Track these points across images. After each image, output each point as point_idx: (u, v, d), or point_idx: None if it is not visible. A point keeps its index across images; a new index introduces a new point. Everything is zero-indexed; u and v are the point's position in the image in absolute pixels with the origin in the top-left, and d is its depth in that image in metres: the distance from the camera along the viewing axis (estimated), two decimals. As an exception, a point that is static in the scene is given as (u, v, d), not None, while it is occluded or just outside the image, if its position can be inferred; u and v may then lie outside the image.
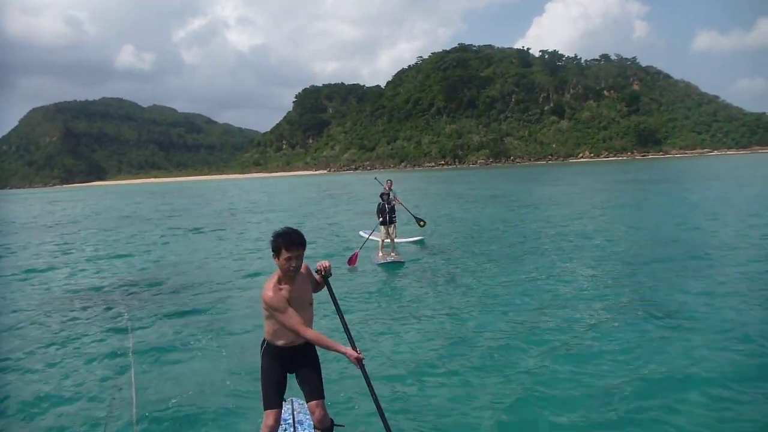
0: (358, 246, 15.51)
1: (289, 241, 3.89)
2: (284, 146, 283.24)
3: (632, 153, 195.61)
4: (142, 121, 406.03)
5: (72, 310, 10.70)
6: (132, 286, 12.94)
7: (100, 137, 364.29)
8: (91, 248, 21.09)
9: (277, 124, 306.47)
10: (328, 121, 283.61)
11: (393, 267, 13.63)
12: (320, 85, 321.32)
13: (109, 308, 10.69)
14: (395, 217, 15.10)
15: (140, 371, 7.00)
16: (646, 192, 36.19)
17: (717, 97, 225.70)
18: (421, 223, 16.81)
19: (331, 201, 42.75)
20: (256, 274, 13.20)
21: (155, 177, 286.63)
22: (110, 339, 8.66)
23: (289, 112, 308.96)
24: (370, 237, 18.39)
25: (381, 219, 14.96)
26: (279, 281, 4.00)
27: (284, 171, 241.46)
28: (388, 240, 14.93)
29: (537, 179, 67.45)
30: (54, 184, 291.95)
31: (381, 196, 15.09)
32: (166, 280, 13.45)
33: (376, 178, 18.71)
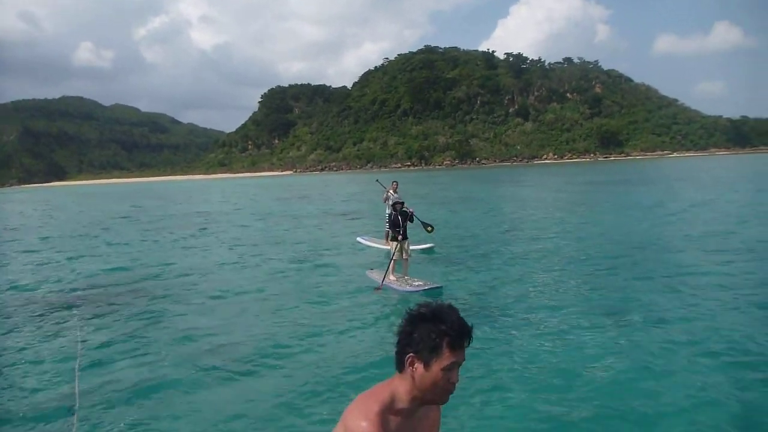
0: (350, 252, 15.63)
1: (459, 333, 2.16)
2: (250, 147, 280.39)
3: (595, 154, 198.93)
4: (104, 120, 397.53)
5: (21, 314, 10.81)
6: (86, 289, 12.90)
7: (60, 136, 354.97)
8: (45, 251, 20.50)
9: (243, 124, 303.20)
10: (294, 122, 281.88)
11: (429, 295, 10.77)
12: (286, 85, 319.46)
13: (58, 311, 10.80)
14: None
15: (86, 373, 7.26)
16: (607, 193, 37.13)
17: (676, 100, 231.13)
18: (429, 228, 16.17)
19: (303, 202, 42.53)
20: (204, 272, 13.40)
21: (117, 177, 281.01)
22: (58, 340, 8.95)
23: (254, 112, 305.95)
24: (373, 244, 17.90)
25: (393, 233, 12.58)
26: (391, 408, 2.22)
27: (250, 171, 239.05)
28: (400, 258, 12.35)
29: (504, 180, 68.38)
30: (12, 185, 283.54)
31: (394, 205, 12.72)
32: (120, 284, 13.38)
33: (377, 180, 18.42)
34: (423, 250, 16.39)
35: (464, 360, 2.17)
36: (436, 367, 2.12)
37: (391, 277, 12.07)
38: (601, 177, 62.56)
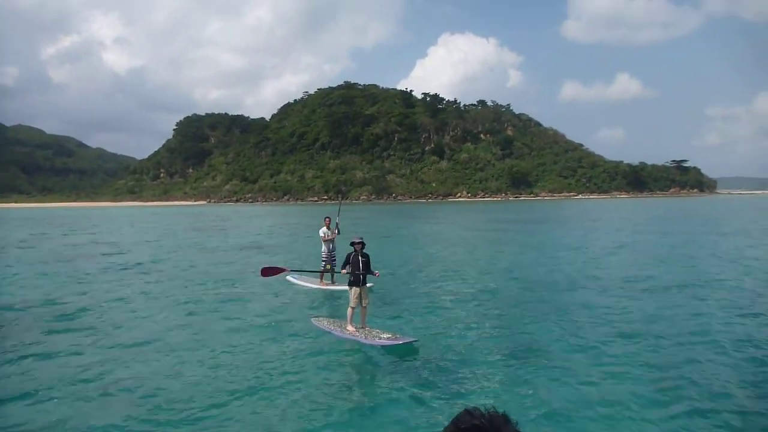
0: (267, 289, 15.21)
1: None
2: (162, 175, 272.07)
3: (506, 194, 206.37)
4: (3, 141, 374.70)
5: None
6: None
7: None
8: None
9: (156, 151, 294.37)
10: (210, 151, 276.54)
11: (400, 350, 10.02)
12: (203, 113, 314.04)
13: None
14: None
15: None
16: (516, 232, 38.54)
17: (581, 145, 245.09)
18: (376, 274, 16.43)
19: (221, 234, 41.30)
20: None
21: (16, 202, 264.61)
22: None
23: (168, 139, 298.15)
24: (304, 284, 17.20)
25: (352, 277, 11.06)
26: None
27: (161, 200, 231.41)
28: (358, 305, 11.21)
29: (421, 216, 69.85)
30: None
31: (353, 243, 11.16)
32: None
33: (337, 221, 17.48)
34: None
35: None
36: None
37: (349, 328, 11.04)
38: (515, 216, 65.20)
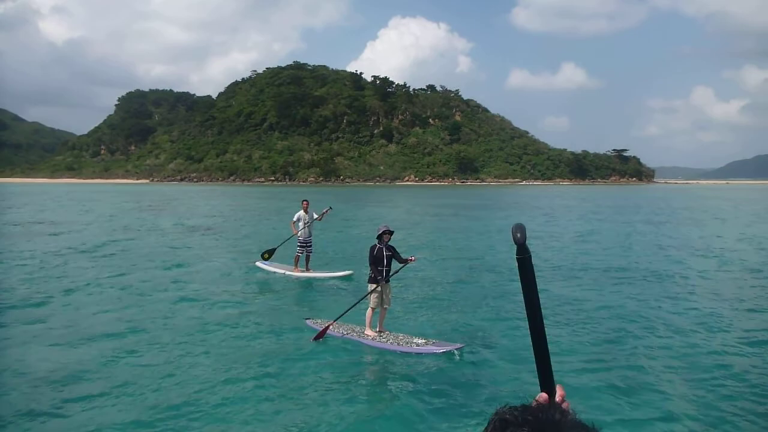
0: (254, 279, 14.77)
1: None
2: (103, 151, 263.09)
3: (453, 179, 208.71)
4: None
5: None
6: None
7: None
8: None
9: (96, 127, 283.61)
10: (153, 128, 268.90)
11: (438, 358, 8.91)
12: (146, 89, 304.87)
13: None
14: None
15: None
16: (460, 217, 39.24)
17: (527, 132, 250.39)
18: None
19: (173, 214, 40.22)
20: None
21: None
22: None
23: (110, 115, 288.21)
24: (276, 270, 16.41)
25: (375, 273, 9.65)
26: None
27: (101, 178, 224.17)
28: (378, 306, 9.81)
29: (373, 201, 70.05)
30: None
31: (379, 236, 9.68)
32: None
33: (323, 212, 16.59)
34: (341, 278, 15.43)
35: None
36: None
37: (369, 332, 9.68)
38: (462, 201, 66.27)
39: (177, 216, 40.63)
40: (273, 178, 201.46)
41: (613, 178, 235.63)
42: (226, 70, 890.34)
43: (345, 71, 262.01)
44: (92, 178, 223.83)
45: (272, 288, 14.81)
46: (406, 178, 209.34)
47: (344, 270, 15.96)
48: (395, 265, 9.77)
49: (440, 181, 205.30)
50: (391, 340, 9.48)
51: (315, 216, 16.32)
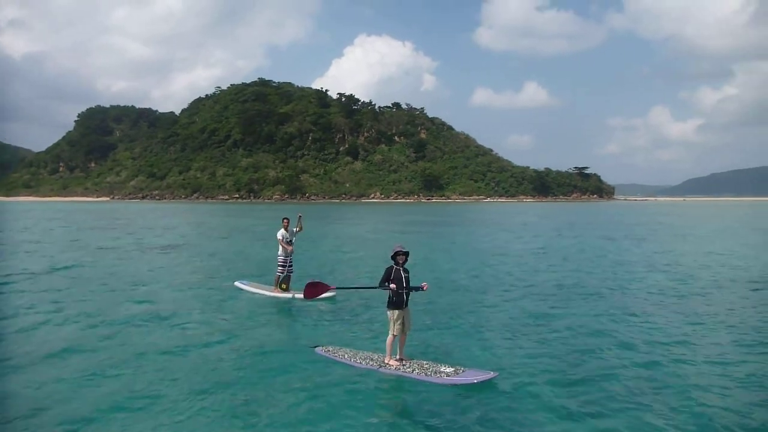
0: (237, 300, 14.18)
1: None
2: (61, 168, 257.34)
3: (418, 196, 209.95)
4: None
5: None
6: None
7: None
8: None
9: (55, 143, 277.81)
10: (114, 145, 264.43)
11: (470, 390, 8.16)
12: (107, 105, 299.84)
13: None
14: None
15: None
16: (424, 234, 39.10)
17: (491, 150, 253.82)
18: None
19: (138, 234, 38.88)
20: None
21: None
22: None
23: (69, 131, 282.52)
24: (257, 290, 15.88)
25: (394, 297, 8.92)
26: None
27: (60, 196, 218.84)
28: (400, 333, 9.10)
29: (338, 218, 69.68)
30: None
31: (394, 257, 9.02)
32: None
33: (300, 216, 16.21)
34: (325, 299, 14.50)
35: None
36: None
37: (392, 362, 8.98)
38: (426, 218, 66.50)
39: (140, 235, 39.49)
40: (237, 196, 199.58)
41: (575, 195, 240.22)
42: (190, 86, 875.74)
43: (310, 88, 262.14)
44: (50, 196, 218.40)
45: (256, 310, 13.98)
46: (372, 196, 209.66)
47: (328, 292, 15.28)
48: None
49: (406, 198, 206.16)
50: (416, 370, 8.73)
51: (296, 230, 15.87)
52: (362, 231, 45.99)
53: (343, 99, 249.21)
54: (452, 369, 8.61)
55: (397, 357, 9.09)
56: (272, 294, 15.52)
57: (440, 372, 8.52)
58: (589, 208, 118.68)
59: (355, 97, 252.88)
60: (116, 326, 11.94)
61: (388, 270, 8.92)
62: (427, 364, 8.95)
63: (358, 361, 9.17)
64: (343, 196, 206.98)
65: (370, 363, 9.08)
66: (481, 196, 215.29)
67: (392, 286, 8.84)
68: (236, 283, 16.69)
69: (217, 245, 32.63)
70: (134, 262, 23.88)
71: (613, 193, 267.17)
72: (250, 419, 7.18)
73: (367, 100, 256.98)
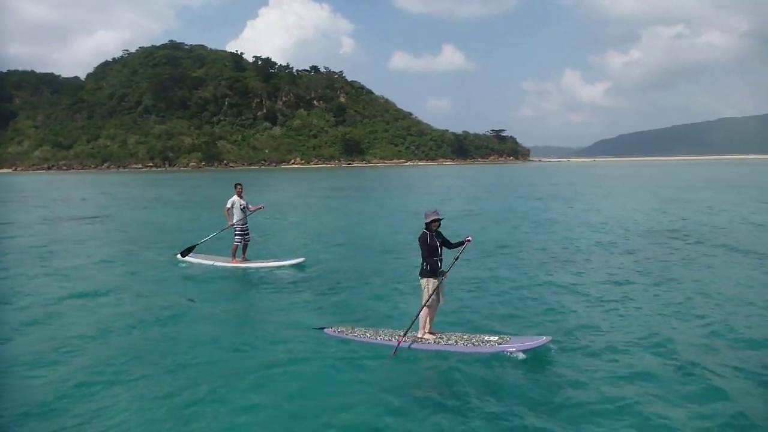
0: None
1: None
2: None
3: (339, 161, 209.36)
4: None
5: None
6: None
7: None
8: None
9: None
10: (15, 113, 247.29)
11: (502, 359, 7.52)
12: (4, 71, 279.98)
13: None
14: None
15: None
16: (347, 199, 39.19)
17: (410, 114, 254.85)
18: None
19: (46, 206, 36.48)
20: None
21: None
22: None
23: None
24: (203, 261, 14.84)
25: (428, 265, 8.17)
26: None
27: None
28: (435, 303, 8.35)
29: (252, 184, 68.14)
30: None
31: (428, 224, 8.18)
32: None
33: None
34: (292, 266, 13.87)
35: None
36: None
37: (428, 336, 8.15)
38: (350, 182, 66.30)
39: (53, 208, 36.95)
40: (151, 164, 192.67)
41: (493, 157, 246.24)
42: (95, 50, 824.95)
43: (225, 51, 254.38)
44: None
45: (210, 286, 12.64)
46: (292, 161, 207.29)
47: (294, 258, 14.29)
48: (449, 253, 8.42)
49: (326, 164, 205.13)
50: (460, 341, 7.90)
51: (250, 206, 14.72)
52: (287, 197, 45.22)
53: (260, 62, 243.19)
54: (497, 337, 7.91)
55: (428, 330, 8.25)
56: (232, 265, 14.38)
57: (486, 341, 7.78)
58: (508, 170, 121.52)
59: (272, 60, 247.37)
60: (51, 306, 10.68)
61: (423, 237, 8.18)
62: (465, 335, 8.13)
63: (384, 338, 8.20)
64: (263, 162, 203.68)
65: (403, 340, 8.03)
66: (401, 160, 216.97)
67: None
68: (178, 256, 15.35)
69: (145, 216, 30.91)
70: (51, 235, 22.21)
71: (528, 155, 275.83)
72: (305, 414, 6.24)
73: (284, 64, 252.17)
